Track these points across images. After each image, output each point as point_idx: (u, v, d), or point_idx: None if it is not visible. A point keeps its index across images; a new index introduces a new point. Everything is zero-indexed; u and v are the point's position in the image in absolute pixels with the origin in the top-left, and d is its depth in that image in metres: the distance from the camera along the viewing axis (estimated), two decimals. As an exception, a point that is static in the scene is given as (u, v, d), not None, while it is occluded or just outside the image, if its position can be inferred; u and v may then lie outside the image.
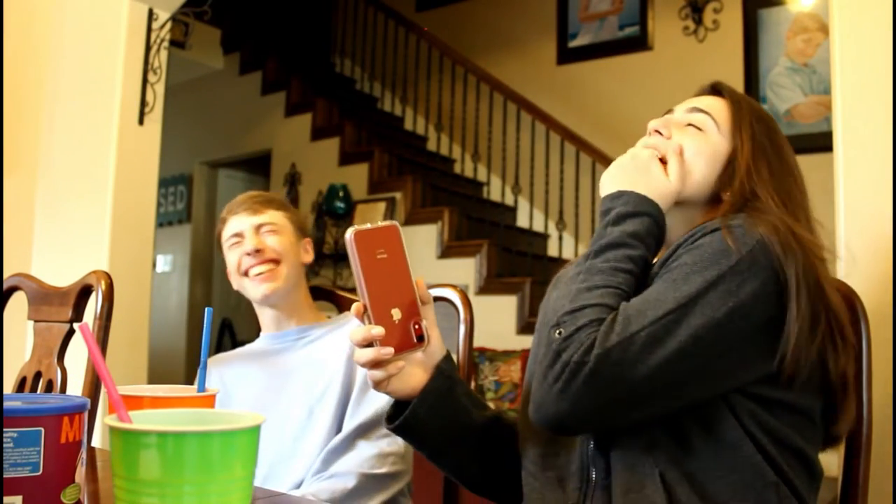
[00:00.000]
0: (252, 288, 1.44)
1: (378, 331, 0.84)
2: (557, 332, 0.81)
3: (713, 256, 0.82)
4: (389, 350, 0.85)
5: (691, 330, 0.79)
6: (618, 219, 0.89)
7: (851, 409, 0.91)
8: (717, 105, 1.00)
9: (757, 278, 0.80)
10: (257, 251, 1.42)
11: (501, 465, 1.03)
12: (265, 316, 1.49)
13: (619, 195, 0.92)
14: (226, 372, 1.48)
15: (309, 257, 1.52)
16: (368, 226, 0.85)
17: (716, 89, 1.03)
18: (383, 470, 1.23)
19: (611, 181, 0.95)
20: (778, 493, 0.83)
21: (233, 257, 1.46)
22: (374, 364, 0.87)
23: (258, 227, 1.45)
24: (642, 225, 0.89)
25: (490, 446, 1.02)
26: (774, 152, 0.97)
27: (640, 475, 0.83)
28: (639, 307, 0.81)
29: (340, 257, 4.35)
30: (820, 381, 0.86)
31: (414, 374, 0.92)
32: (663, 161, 0.96)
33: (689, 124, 0.99)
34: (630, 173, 0.94)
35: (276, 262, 1.43)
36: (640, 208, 0.90)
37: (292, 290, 1.46)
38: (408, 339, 0.87)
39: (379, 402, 1.28)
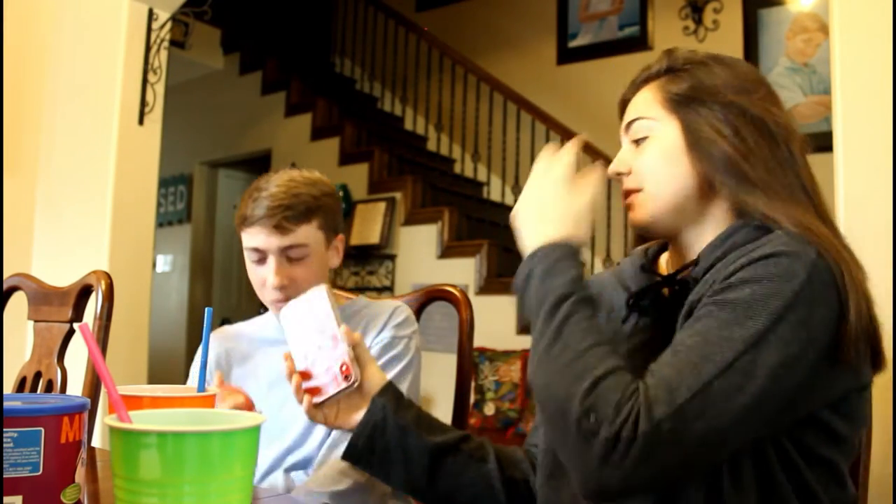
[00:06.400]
0: (271, 308, 1.37)
1: (296, 382, 0.99)
2: (592, 417, 0.72)
3: (775, 284, 0.75)
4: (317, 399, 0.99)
5: (768, 370, 0.72)
6: (544, 276, 0.84)
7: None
8: (641, 99, 0.94)
9: (823, 304, 0.76)
10: (282, 287, 1.30)
11: (460, 485, 1.01)
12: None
13: (532, 256, 0.86)
14: (233, 352, 1.43)
15: (337, 260, 1.42)
16: (293, 302, 1.04)
17: (639, 86, 0.97)
18: None
19: (525, 222, 0.90)
20: None
21: (253, 274, 1.35)
22: (313, 411, 0.99)
23: (284, 251, 1.31)
24: (570, 270, 0.83)
25: (444, 469, 1.00)
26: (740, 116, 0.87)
27: None
28: (700, 352, 0.74)
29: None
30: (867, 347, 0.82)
31: (359, 405, 1.00)
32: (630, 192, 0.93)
33: (634, 141, 0.94)
34: (538, 208, 0.89)
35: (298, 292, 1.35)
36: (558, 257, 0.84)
37: None
38: (334, 382, 0.98)
39: None
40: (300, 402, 1.00)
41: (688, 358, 0.74)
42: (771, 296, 0.75)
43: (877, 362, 0.85)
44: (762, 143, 0.86)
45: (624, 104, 0.99)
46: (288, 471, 1.29)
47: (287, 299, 1.28)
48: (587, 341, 0.78)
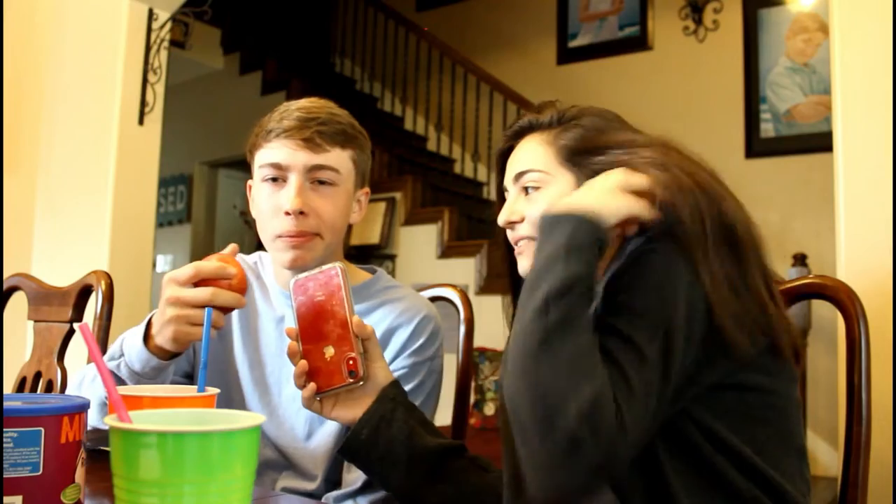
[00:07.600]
0: (276, 251, 1.11)
1: (301, 367, 0.92)
2: (587, 429, 0.70)
3: (649, 283, 0.80)
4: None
5: (681, 354, 0.77)
6: (567, 253, 0.80)
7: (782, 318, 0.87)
8: (531, 150, 0.98)
9: (686, 288, 0.79)
10: (300, 213, 1.06)
11: (464, 491, 1.00)
12: (284, 274, 1.16)
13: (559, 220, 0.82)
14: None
15: (358, 216, 1.19)
16: (307, 274, 0.94)
17: (519, 133, 1.01)
18: None
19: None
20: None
21: (266, 200, 1.10)
22: (310, 399, 0.95)
23: (311, 171, 1.08)
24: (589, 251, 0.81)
25: (448, 473, 1.00)
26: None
27: None
28: (630, 356, 0.76)
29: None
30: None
31: (361, 400, 0.96)
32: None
33: (524, 189, 0.97)
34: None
35: (317, 235, 1.09)
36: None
37: (325, 258, 1.12)
38: (338, 375, 0.93)
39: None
40: (300, 387, 0.94)
41: (627, 364, 0.75)
42: (653, 290, 0.79)
43: (786, 352, 0.87)
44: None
45: (502, 153, 1.03)
46: (286, 491, 1.11)
47: (299, 242, 1.08)
48: (585, 342, 0.76)
